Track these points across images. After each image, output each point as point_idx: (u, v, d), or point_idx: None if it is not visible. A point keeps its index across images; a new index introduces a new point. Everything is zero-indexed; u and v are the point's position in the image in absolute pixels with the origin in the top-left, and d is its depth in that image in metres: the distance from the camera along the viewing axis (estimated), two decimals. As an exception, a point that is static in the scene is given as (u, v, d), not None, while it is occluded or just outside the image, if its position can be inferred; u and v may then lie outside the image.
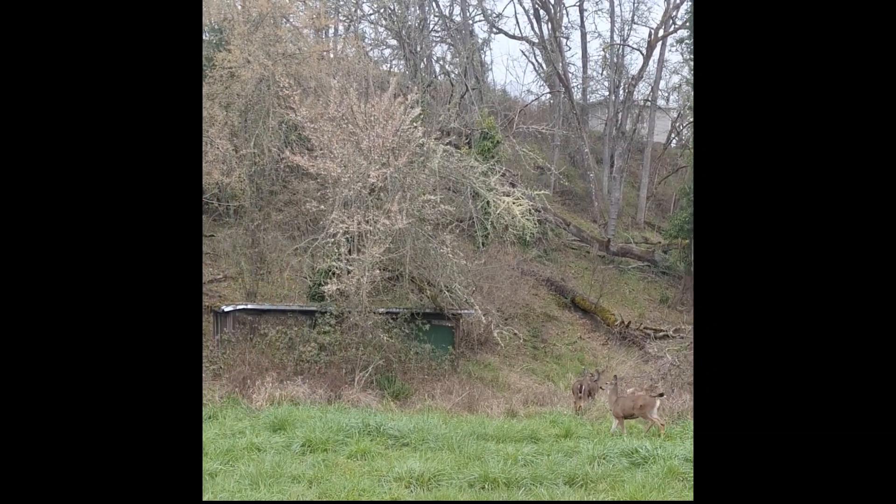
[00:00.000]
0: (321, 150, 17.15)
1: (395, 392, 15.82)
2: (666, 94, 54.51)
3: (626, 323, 26.56)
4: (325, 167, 16.69)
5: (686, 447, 8.92)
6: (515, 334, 19.07)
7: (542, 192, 19.83)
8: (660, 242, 34.24)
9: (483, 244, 23.66)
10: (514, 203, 18.27)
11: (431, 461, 8.15)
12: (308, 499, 6.90)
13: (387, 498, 6.92)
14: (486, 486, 7.29)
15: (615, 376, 12.77)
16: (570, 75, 38.29)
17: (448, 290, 18.13)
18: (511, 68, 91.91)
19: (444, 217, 18.98)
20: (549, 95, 41.76)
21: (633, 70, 37.41)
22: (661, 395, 11.42)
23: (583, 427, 11.70)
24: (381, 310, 17.65)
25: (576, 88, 41.95)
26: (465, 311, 19.44)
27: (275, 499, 6.85)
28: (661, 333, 26.21)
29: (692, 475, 7.60)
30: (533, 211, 19.06)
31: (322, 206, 17.00)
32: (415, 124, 17.56)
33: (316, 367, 15.83)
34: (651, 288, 32.11)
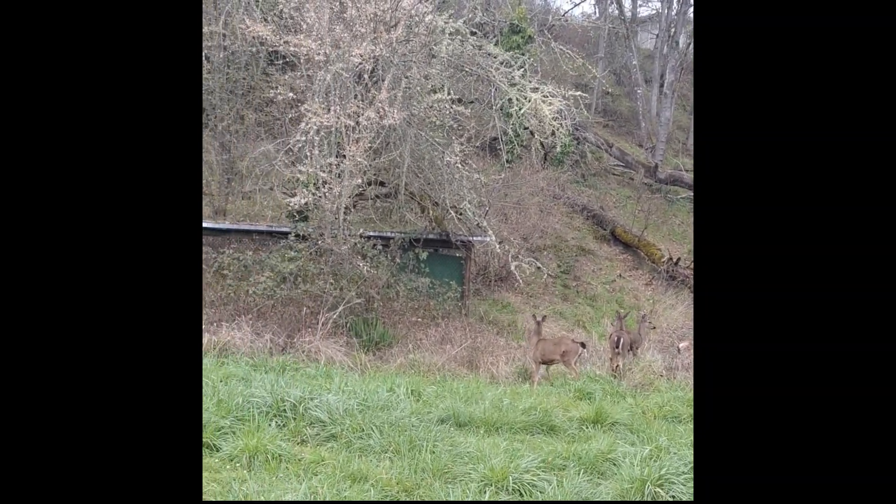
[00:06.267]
0: (290, 19, 13.06)
1: (372, 340, 11.99)
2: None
3: (674, 260, 22.73)
4: (297, 42, 12.59)
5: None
6: (539, 268, 15.17)
7: (578, 93, 15.40)
8: (714, 172, 29.96)
9: (508, 160, 19.65)
10: (542, 101, 14.10)
11: (345, 480, 4.54)
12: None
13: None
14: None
15: (543, 317, 12.08)
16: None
17: (456, 212, 14.23)
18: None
19: (458, 121, 15.05)
20: (594, 4, 37.11)
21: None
22: (583, 344, 11.30)
23: (622, 403, 7.98)
24: (368, 233, 13.78)
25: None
26: (478, 239, 15.60)
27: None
28: (716, 274, 22.21)
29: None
30: (566, 114, 14.85)
31: (292, 94, 12.99)
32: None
33: (270, 303, 11.96)
34: (703, 222, 28.03)
